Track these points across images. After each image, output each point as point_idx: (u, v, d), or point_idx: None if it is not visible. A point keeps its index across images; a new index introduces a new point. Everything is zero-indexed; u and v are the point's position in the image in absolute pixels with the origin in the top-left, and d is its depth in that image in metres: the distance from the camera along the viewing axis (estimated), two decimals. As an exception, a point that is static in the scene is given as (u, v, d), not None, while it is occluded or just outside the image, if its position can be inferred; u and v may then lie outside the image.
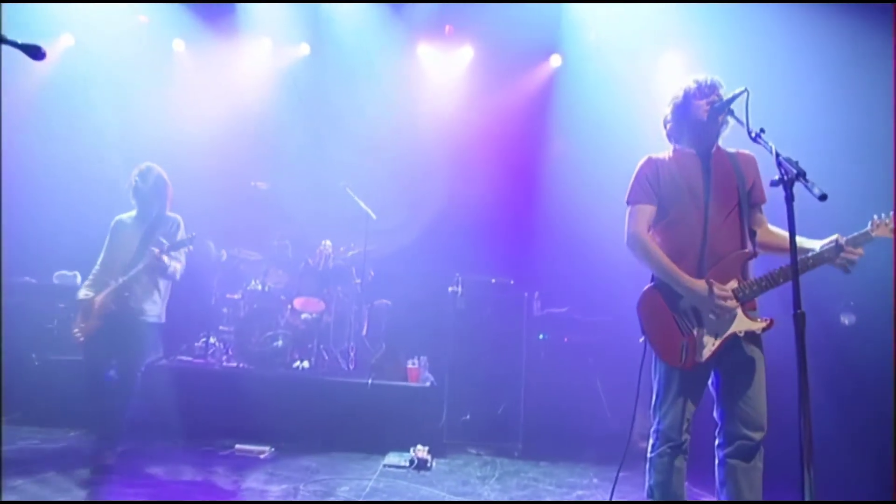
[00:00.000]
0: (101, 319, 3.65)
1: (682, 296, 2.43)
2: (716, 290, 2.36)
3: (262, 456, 4.27)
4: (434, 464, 4.27)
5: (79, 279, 5.58)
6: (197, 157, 5.83)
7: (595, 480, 4.11)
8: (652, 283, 2.57)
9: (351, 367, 5.37)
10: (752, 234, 2.52)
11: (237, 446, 4.37)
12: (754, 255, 2.44)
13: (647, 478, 2.56)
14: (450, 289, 5.36)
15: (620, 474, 4.25)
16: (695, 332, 2.41)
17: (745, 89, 2.37)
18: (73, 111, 6.14)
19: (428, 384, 4.92)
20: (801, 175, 1.99)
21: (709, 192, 2.49)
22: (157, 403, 4.41)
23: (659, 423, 2.51)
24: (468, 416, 5.07)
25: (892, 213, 2.22)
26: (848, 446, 3.30)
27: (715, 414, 2.51)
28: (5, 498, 3.15)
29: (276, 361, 5.26)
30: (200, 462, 4.00)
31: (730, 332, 2.36)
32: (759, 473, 2.42)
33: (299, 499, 3.42)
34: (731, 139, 2.59)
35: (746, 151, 2.62)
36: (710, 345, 2.38)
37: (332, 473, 3.98)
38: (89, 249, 3.98)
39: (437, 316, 5.50)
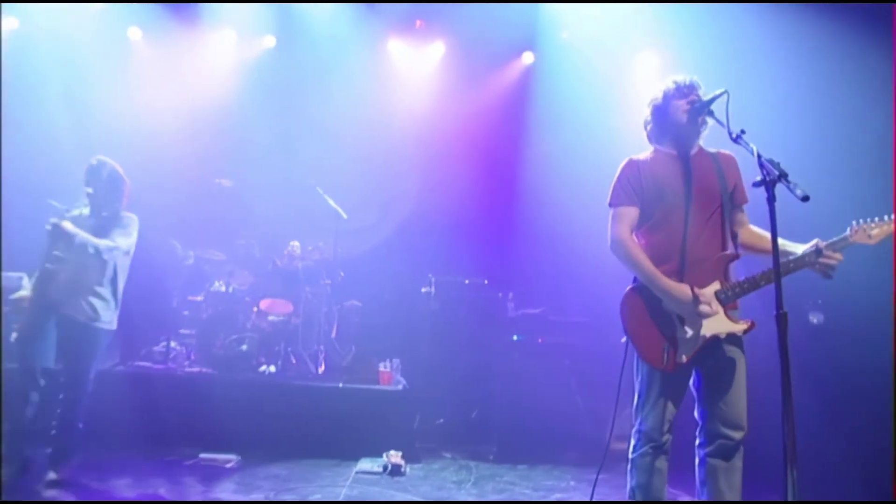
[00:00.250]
0: (38, 320, 3.46)
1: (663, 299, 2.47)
2: (697, 294, 2.40)
3: (228, 465, 4.17)
4: (408, 469, 4.24)
5: (26, 281, 5.34)
6: (157, 152, 5.67)
7: (572, 483, 4.15)
8: (634, 285, 2.60)
9: (320, 370, 5.29)
10: (735, 235, 2.58)
11: (202, 455, 4.25)
12: (737, 256, 2.49)
13: (628, 479, 2.60)
14: (423, 289, 5.35)
15: (602, 476, 4.33)
16: (677, 333, 2.45)
17: (725, 91, 2.41)
18: (17, 100, 5.85)
19: (400, 387, 4.88)
20: (783, 176, 2.04)
21: (690, 194, 2.53)
22: (115, 412, 4.25)
23: (641, 423, 2.54)
24: (442, 420, 5.06)
25: (870, 220, 2.28)
26: (832, 446, 3.41)
27: (696, 413, 2.56)
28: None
29: (241, 366, 5.14)
30: (164, 473, 3.87)
31: (712, 333, 2.40)
32: (738, 473, 2.48)
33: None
34: (710, 139, 2.64)
35: (727, 152, 2.67)
36: (691, 346, 2.42)
37: (303, 481, 3.91)
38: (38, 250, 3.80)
39: (410, 317, 5.48)
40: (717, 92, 2.45)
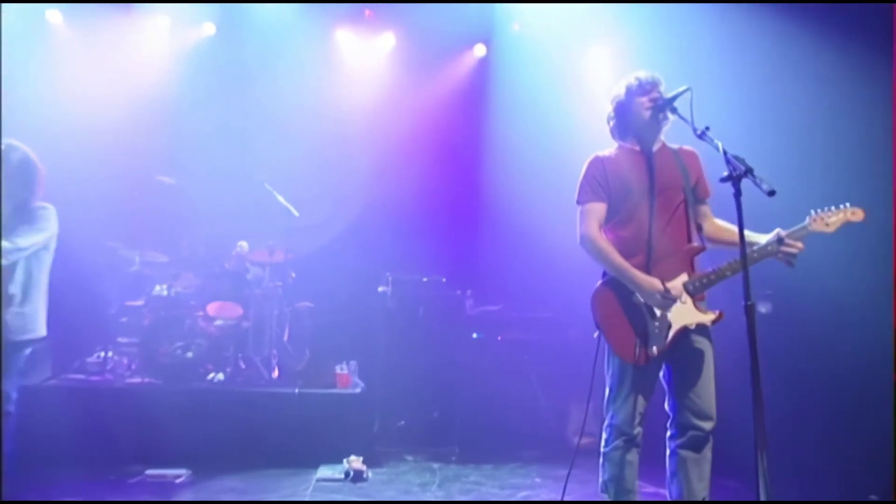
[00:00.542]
0: None
1: (634, 291, 2.54)
2: (667, 285, 2.48)
3: (178, 480, 4.01)
4: (370, 474, 4.20)
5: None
6: (88, 148, 5.35)
7: (538, 480, 4.22)
8: (604, 279, 2.66)
9: (274, 375, 5.16)
10: (699, 228, 2.68)
11: (148, 472, 4.07)
12: (702, 249, 2.59)
13: (601, 473, 2.66)
14: (379, 288, 5.29)
15: (563, 472, 4.41)
16: (648, 327, 2.52)
17: (689, 87, 2.50)
18: None
19: (358, 390, 4.82)
20: (749, 171, 2.14)
21: (654, 189, 2.61)
22: (48, 430, 4.01)
23: (612, 417, 2.61)
24: (403, 422, 5.04)
25: (827, 209, 2.42)
26: (796, 434, 3.59)
27: (667, 406, 2.64)
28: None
29: (188, 374, 4.95)
30: (108, 493, 3.69)
31: (681, 325, 2.49)
32: (707, 463, 2.58)
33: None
34: (677, 136, 2.73)
35: (688, 147, 2.77)
36: (662, 339, 2.50)
37: (262, 492, 3.82)
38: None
39: (366, 317, 5.42)
40: (681, 89, 2.53)
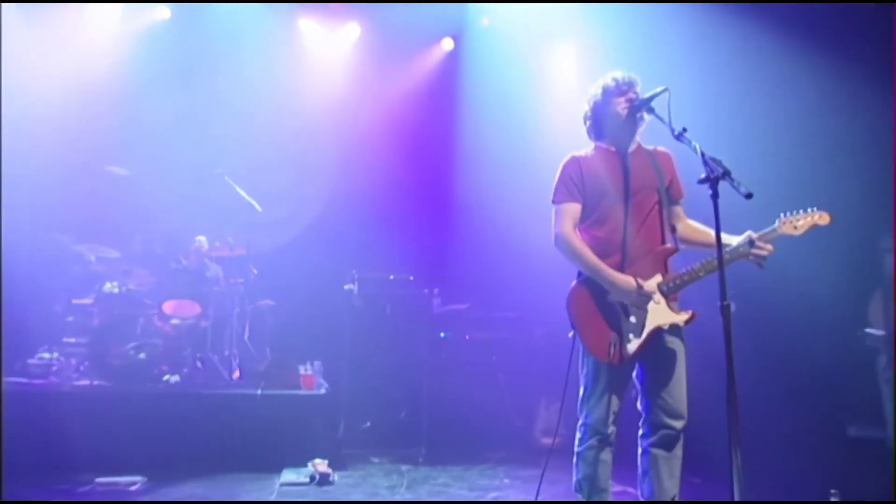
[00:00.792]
0: None
1: (609, 291, 2.60)
2: (642, 285, 2.54)
3: (132, 488, 3.89)
4: (336, 477, 4.17)
5: None
6: (34, 136, 5.11)
7: (506, 480, 4.27)
8: (579, 279, 2.70)
9: (235, 376, 5.06)
10: (673, 229, 2.76)
11: (99, 480, 3.93)
12: (676, 250, 2.66)
13: (574, 472, 2.70)
14: (345, 286, 5.25)
15: (534, 472, 4.47)
16: (623, 326, 2.58)
17: (666, 88, 2.56)
18: None
19: (323, 391, 4.79)
20: (726, 174, 2.21)
21: (629, 190, 2.67)
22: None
23: (587, 416, 2.66)
24: (369, 424, 5.02)
25: (796, 212, 2.53)
26: (771, 438, 3.73)
27: (639, 405, 2.71)
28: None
29: (141, 376, 4.82)
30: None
31: (655, 325, 2.55)
32: (678, 461, 2.66)
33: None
34: (651, 136, 2.80)
35: (663, 148, 2.84)
36: (637, 339, 2.56)
37: (224, 498, 3.74)
38: None
39: (331, 316, 5.37)
40: (658, 90, 2.59)
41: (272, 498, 3.78)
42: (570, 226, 2.68)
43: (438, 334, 5.41)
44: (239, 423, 4.43)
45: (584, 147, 2.83)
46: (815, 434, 3.72)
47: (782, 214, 2.53)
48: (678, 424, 2.60)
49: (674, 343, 2.63)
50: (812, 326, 3.70)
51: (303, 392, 4.74)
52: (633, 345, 2.56)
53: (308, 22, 6.59)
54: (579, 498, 2.68)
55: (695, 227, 2.75)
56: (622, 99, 2.70)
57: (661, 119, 2.54)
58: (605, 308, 2.61)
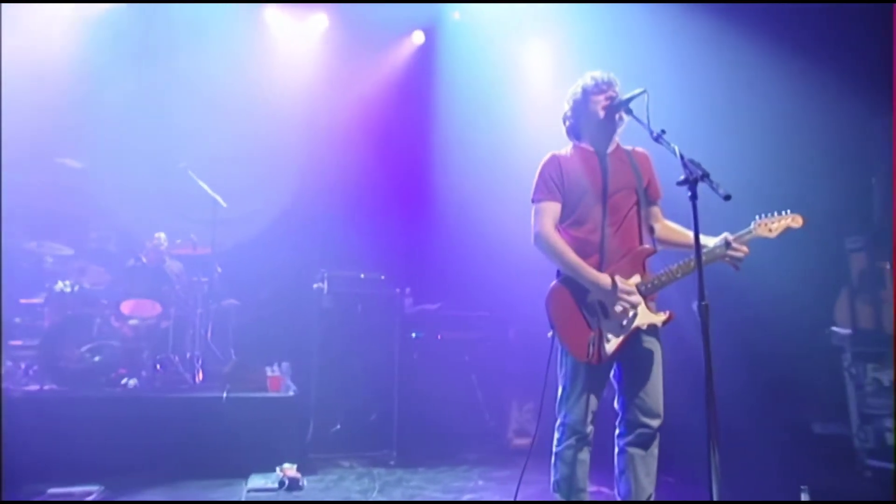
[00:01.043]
0: None
1: (588, 291, 2.66)
2: (620, 285, 2.61)
3: (88, 498, 3.79)
4: (305, 482, 4.16)
5: None
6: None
7: (480, 482, 4.31)
8: (559, 279, 2.76)
9: (198, 379, 4.98)
10: (651, 229, 2.84)
11: (51, 490, 3.82)
12: (654, 251, 2.74)
13: (552, 472, 2.76)
14: (314, 285, 5.21)
15: (507, 473, 4.54)
16: (602, 326, 2.64)
17: (644, 90, 2.64)
18: None
19: (291, 393, 4.75)
20: (705, 175, 2.29)
21: (608, 191, 2.74)
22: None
23: (565, 416, 2.72)
24: (339, 426, 5.00)
25: (771, 215, 2.63)
26: (745, 436, 3.86)
27: (616, 404, 2.79)
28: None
29: (97, 380, 4.71)
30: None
31: (634, 325, 2.63)
32: (654, 460, 2.74)
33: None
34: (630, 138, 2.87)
35: (641, 149, 2.92)
36: (616, 339, 2.63)
37: (189, 507, 3.69)
38: None
39: (300, 316, 5.33)
40: (637, 91, 2.66)
41: (240, 504, 3.75)
42: (551, 225, 2.73)
43: (410, 334, 5.42)
44: (203, 428, 4.37)
45: (558, 142, 2.88)
46: (784, 431, 3.88)
47: (757, 217, 2.63)
48: (655, 423, 2.68)
49: (651, 343, 2.71)
50: (781, 326, 3.85)
51: (270, 394, 4.69)
52: (611, 345, 2.63)
53: (274, 11, 6.50)
54: (557, 498, 2.73)
55: (672, 228, 2.84)
56: (602, 97, 2.76)
57: (639, 121, 2.61)
58: (584, 308, 2.67)
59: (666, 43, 4.81)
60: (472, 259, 5.78)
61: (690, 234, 2.39)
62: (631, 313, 2.62)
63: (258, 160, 5.99)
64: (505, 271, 5.33)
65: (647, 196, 2.83)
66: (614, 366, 2.76)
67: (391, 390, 5.13)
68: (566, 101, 2.90)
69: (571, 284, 2.69)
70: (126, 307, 5.00)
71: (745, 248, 2.59)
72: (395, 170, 6.37)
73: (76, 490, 3.83)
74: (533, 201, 2.79)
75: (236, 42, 6.08)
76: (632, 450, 2.72)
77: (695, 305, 4.93)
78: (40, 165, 5.34)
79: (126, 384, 4.82)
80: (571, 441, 2.70)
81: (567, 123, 2.91)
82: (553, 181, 2.76)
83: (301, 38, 6.61)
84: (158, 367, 5.00)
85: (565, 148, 2.88)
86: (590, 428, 2.70)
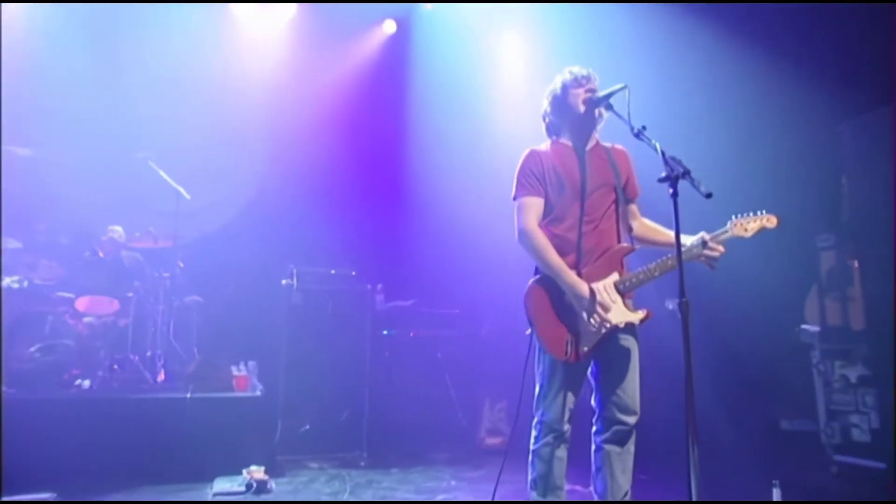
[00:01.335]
0: None
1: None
2: (600, 299, 2.65)
3: (41, 507, 3.71)
4: (273, 485, 4.13)
5: None
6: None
7: (453, 483, 4.35)
8: (538, 277, 2.80)
9: (160, 379, 4.89)
10: (629, 227, 2.90)
11: (2, 500, 3.72)
12: (632, 249, 2.80)
13: (529, 470, 2.81)
14: (282, 281, 5.17)
15: (480, 473, 4.59)
16: (579, 325, 2.70)
17: (625, 86, 2.69)
18: None
19: (258, 393, 4.71)
20: (686, 173, 2.35)
21: (586, 188, 2.79)
22: None
23: (543, 414, 2.77)
24: (307, 427, 4.98)
25: (747, 215, 2.71)
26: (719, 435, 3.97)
27: (593, 402, 2.85)
28: None
29: (50, 381, 4.58)
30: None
31: (612, 323, 2.69)
32: (630, 456, 2.81)
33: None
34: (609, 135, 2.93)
35: (620, 146, 2.97)
36: (593, 337, 2.68)
37: (151, 512, 3.64)
38: None
39: (267, 313, 5.29)
40: (617, 87, 2.71)
41: (205, 509, 3.71)
42: (535, 221, 2.76)
43: (382, 331, 5.43)
44: (165, 430, 4.30)
45: (532, 135, 2.92)
46: (755, 427, 4.02)
47: (733, 216, 2.70)
48: (631, 420, 2.75)
49: (628, 341, 2.77)
50: (754, 324, 3.99)
51: (236, 394, 4.65)
52: (589, 343, 2.68)
53: (239, -4, 6.40)
54: (534, 496, 2.78)
55: (649, 226, 2.90)
56: (581, 90, 2.79)
57: (620, 116, 2.66)
58: (562, 306, 2.72)
59: (641, 42, 4.91)
60: (445, 255, 5.80)
61: (668, 232, 2.45)
62: (603, 331, 2.66)
63: (223, 150, 5.89)
64: (478, 268, 5.38)
65: (625, 194, 2.89)
66: (591, 363, 2.83)
67: (362, 389, 5.13)
68: (545, 97, 2.93)
69: (549, 283, 2.74)
70: (81, 304, 4.87)
71: (721, 248, 2.65)
72: (367, 161, 6.35)
73: (29, 498, 3.74)
74: (515, 198, 2.82)
75: (199, 26, 5.96)
76: (608, 447, 2.78)
77: (668, 303, 5.08)
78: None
79: (80, 385, 4.70)
80: (549, 439, 2.75)
81: (546, 121, 2.95)
82: (535, 176, 2.79)
83: (268, 24, 6.52)
84: (116, 366, 4.89)
85: (544, 143, 2.92)
86: (567, 426, 2.76)
